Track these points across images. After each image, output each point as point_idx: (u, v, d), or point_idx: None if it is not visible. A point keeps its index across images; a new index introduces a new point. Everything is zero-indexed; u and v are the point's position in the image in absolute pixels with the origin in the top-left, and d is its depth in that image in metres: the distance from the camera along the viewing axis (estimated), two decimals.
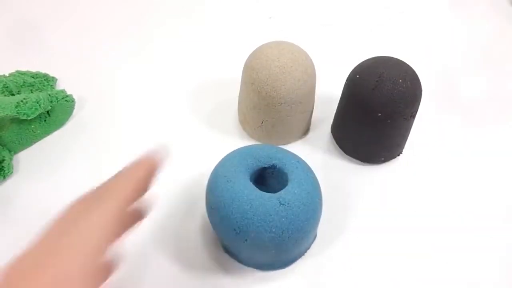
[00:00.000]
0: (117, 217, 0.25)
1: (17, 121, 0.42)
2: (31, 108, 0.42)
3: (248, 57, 0.41)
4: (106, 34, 0.58)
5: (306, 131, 0.46)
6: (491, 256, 0.38)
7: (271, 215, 0.31)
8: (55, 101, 0.45)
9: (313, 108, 0.45)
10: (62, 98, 0.46)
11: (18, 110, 0.41)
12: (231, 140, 0.45)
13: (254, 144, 0.38)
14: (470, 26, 0.61)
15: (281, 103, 0.40)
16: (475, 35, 0.60)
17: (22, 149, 0.44)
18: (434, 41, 0.58)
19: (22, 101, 0.41)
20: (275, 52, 0.39)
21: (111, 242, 0.25)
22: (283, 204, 0.32)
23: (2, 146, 0.42)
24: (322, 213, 0.36)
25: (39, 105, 0.42)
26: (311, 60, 0.41)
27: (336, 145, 0.45)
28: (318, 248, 0.38)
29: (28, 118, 0.42)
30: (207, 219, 0.36)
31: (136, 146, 0.45)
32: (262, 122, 0.43)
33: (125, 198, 0.26)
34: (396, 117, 0.38)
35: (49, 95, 0.45)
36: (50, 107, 0.44)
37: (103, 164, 0.43)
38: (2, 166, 0.41)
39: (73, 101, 0.47)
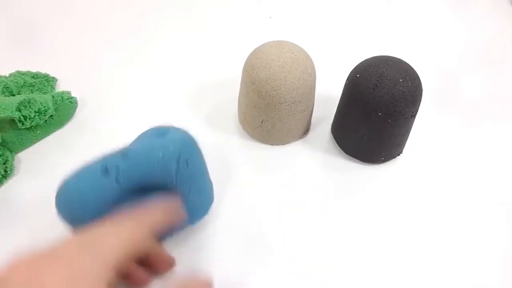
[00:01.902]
0: (135, 242, 0.27)
1: (18, 121, 0.42)
2: (36, 126, 0.43)
3: (248, 56, 0.41)
4: (106, 34, 0.58)
5: (306, 130, 0.46)
6: (492, 256, 0.38)
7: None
8: (60, 101, 0.45)
9: (313, 107, 0.45)
10: (67, 99, 0.46)
11: (20, 116, 0.41)
12: (231, 139, 0.45)
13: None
14: (470, 26, 0.61)
15: (281, 103, 0.40)
16: (475, 35, 0.60)
17: (23, 149, 0.44)
18: (434, 41, 0.58)
19: (22, 102, 0.41)
20: (275, 51, 0.39)
21: (122, 263, 0.26)
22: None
23: (3, 146, 0.42)
24: (322, 213, 0.36)
25: (44, 117, 0.43)
26: (311, 59, 0.41)
27: (336, 145, 0.45)
28: (316, 248, 0.38)
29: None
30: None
31: None
32: (262, 122, 0.43)
33: (147, 226, 0.28)
34: (397, 117, 0.38)
35: (53, 96, 0.45)
36: (54, 112, 0.44)
37: None
38: (6, 167, 0.41)
39: (76, 102, 0.47)
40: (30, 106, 0.42)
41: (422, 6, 0.64)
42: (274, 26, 0.60)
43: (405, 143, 0.43)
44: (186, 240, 0.38)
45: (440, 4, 0.65)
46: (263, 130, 0.43)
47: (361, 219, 0.40)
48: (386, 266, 0.37)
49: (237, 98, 0.46)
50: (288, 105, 0.40)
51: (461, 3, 0.65)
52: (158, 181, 0.31)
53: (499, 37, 0.60)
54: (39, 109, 0.43)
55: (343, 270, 0.37)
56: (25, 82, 0.47)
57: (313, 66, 0.41)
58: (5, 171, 0.41)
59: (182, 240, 0.38)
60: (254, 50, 0.41)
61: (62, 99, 0.45)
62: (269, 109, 0.41)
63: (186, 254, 0.37)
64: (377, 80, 0.37)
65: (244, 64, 0.42)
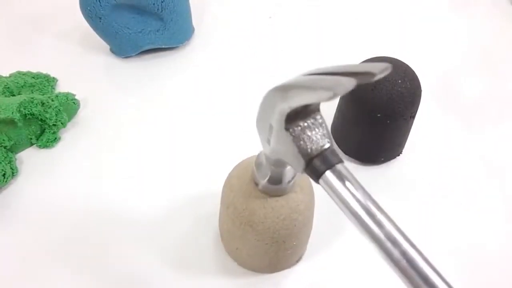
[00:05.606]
0: None
1: (18, 122, 0.42)
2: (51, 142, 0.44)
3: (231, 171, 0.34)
4: None
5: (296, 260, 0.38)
6: (492, 257, 0.38)
7: None
8: (64, 100, 0.45)
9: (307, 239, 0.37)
10: (71, 99, 0.46)
11: (40, 145, 0.44)
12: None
13: None
14: (470, 26, 0.61)
15: (258, 240, 0.32)
16: (475, 35, 0.60)
17: (23, 149, 0.44)
18: (434, 41, 0.58)
19: (22, 103, 0.41)
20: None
21: None
22: None
23: (4, 147, 0.42)
24: (322, 213, 0.36)
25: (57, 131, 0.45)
26: (309, 189, 0.33)
27: (336, 145, 0.45)
28: (316, 249, 0.38)
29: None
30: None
31: (137, 147, 0.45)
32: (236, 248, 0.36)
33: None
34: (396, 118, 0.38)
35: (57, 96, 0.45)
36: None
37: (104, 164, 0.44)
38: (11, 167, 0.41)
39: (78, 104, 0.47)
40: (32, 107, 0.42)
41: (422, 6, 0.64)
42: (274, 26, 0.60)
43: (404, 144, 0.43)
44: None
45: (440, 4, 0.64)
46: (237, 256, 0.37)
47: None
48: (385, 267, 0.37)
49: (237, 97, 0.46)
50: (266, 243, 0.33)
51: (461, 3, 0.65)
52: (146, 4, 0.47)
53: (499, 37, 0.60)
54: (56, 119, 0.44)
55: (342, 270, 0.37)
56: (25, 82, 0.47)
57: (310, 199, 0.33)
58: (12, 173, 0.41)
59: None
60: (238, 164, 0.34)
61: (67, 99, 0.46)
62: (244, 240, 0.33)
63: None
64: (376, 81, 0.37)
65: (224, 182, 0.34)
